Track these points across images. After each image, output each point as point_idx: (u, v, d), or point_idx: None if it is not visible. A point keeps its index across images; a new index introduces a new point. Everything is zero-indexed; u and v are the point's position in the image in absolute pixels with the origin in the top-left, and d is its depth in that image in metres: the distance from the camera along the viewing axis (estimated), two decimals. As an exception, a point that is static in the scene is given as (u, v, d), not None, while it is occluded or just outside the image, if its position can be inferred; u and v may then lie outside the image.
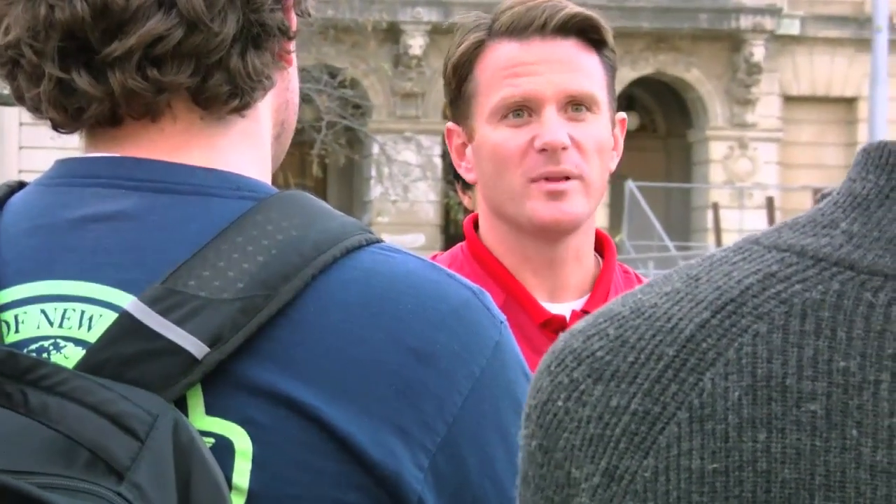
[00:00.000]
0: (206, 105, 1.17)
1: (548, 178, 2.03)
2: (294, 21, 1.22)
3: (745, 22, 28.10)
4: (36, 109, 1.18)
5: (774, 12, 28.24)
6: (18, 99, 1.18)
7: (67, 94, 1.15)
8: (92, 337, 1.09)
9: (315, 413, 1.08)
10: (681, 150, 29.77)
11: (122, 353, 1.07)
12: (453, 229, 24.87)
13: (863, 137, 26.97)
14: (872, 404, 0.78)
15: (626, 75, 28.84)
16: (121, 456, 1.02)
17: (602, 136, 2.06)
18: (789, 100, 29.17)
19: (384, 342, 1.11)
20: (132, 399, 1.04)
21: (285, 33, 1.20)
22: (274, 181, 1.26)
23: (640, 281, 2.17)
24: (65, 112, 1.17)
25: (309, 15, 1.26)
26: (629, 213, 24.85)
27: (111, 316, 1.09)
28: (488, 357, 1.14)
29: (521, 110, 2.04)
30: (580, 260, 2.12)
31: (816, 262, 0.83)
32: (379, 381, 1.10)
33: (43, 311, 1.12)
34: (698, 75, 28.71)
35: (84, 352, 1.08)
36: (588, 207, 2.06)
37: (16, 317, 1.12)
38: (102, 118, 1.17)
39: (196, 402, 1.08)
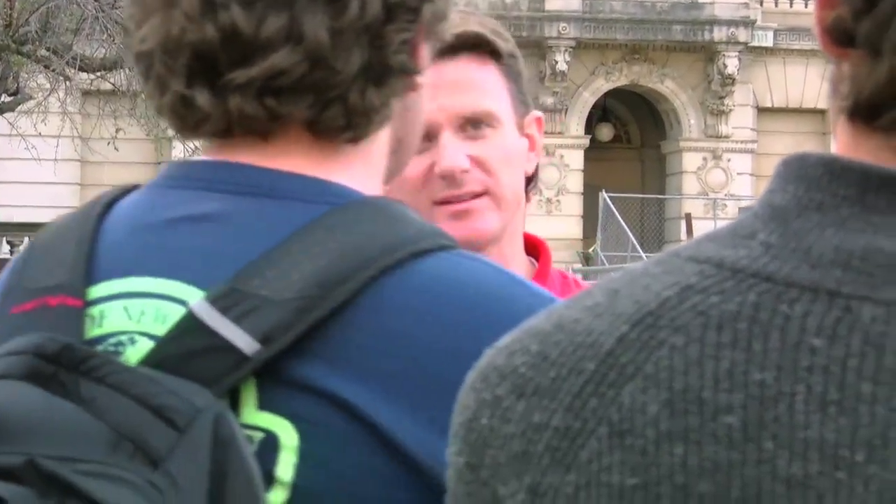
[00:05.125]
0: (319, 134, 1.20)
1: (451, 201, 2.04)
2: (424, 56, 1.24)
3: (719, 34, 28.22)
4: (160, 113, 1.24)
5: (748, 24, 28.38)
6: (150, 98, 1.25)
7: (187, 108, 1.20)
8: (164, 332, 1.13)
9: (362, 412, 1.10)
10: (655, 161, 29.88)
11: (181, 348, 1.11)
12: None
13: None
14: (788, 417, 0.78)
15: (601, 86, 28.94)
16: (158, 446, 1.05)
17: (507, 147, 2.06)
18: (763, 111, 29.31)
19: (432, 345, 1.12)
20: (179, 393, 1.07)
21: (408, 72, 1.22)
22: None
23: (578, 286, 2.17)
24: (183, 122, 1.22)
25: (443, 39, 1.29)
26: (603, 223, 24.92)
27: (181, 312, 1.13)
28: None
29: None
30: (508, 268, 2.11)
31: (734, 273, 0.82)
32: (426, 382, 1.12)
33: (125, 307, 1.17)
34: (672, 87, 28.82)
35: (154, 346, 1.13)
36: (501, 220, 2.06)
37: (101, 312, 1.17)
38: (216, 132, 1.21)
39: (249, 397, 1.11)
